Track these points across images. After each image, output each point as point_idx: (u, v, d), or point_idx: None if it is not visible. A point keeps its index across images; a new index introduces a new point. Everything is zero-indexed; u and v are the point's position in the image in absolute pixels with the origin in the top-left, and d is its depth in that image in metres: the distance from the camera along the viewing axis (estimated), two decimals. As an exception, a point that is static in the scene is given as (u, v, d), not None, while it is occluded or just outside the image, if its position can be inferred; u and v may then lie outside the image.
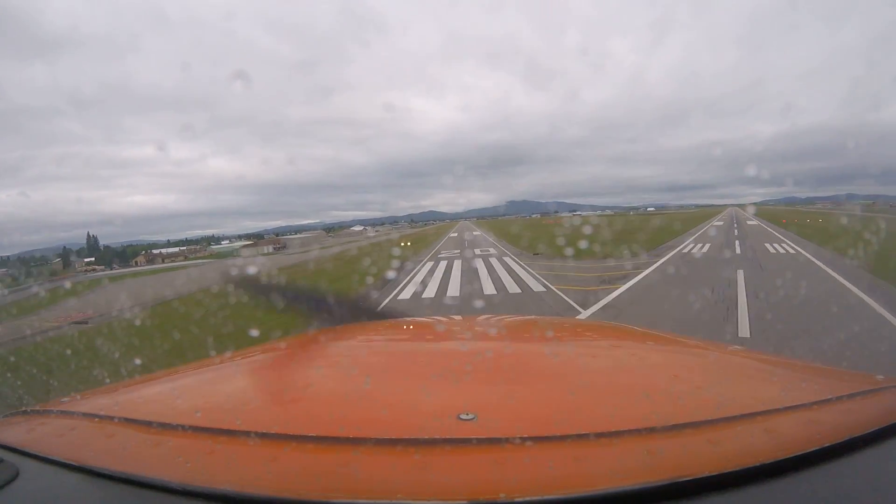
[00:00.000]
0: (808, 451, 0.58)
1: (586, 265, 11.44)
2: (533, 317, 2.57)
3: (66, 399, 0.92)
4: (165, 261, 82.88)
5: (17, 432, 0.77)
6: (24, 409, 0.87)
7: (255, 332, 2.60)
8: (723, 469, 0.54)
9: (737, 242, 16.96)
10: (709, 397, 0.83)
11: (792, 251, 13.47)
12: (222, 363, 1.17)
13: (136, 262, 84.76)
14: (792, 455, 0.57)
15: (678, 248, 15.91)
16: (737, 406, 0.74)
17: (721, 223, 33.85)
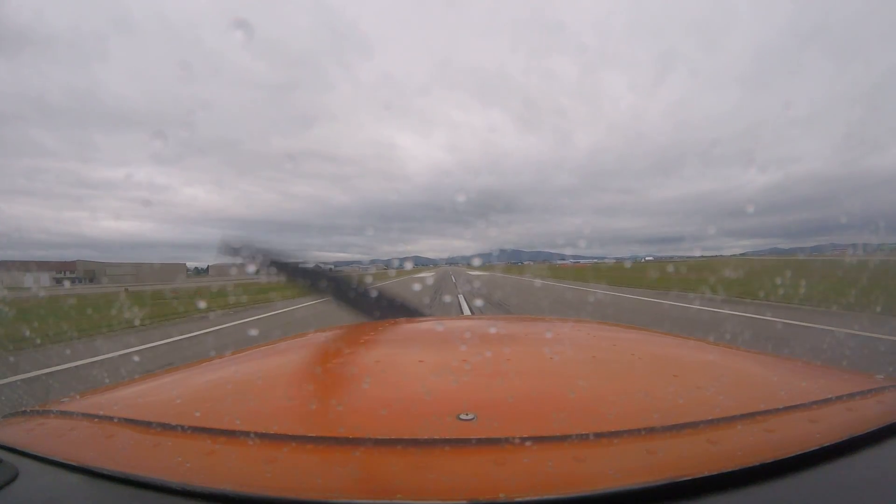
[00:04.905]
0: (808, 451, 0.58)
1: None
2: (533, 317, 2.57)
3: (65, 399, 0.92)
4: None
5: (17, 432, 0.77)
6: (23, 409, 0.88)
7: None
8: (723, 469, 0.54)
9: None
10: (708, 397, 0.83)
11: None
12: (222, 363, 1.17)
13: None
14: (792, 455, 0.57)
15: None
16: (737, 406, 0.74)
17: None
